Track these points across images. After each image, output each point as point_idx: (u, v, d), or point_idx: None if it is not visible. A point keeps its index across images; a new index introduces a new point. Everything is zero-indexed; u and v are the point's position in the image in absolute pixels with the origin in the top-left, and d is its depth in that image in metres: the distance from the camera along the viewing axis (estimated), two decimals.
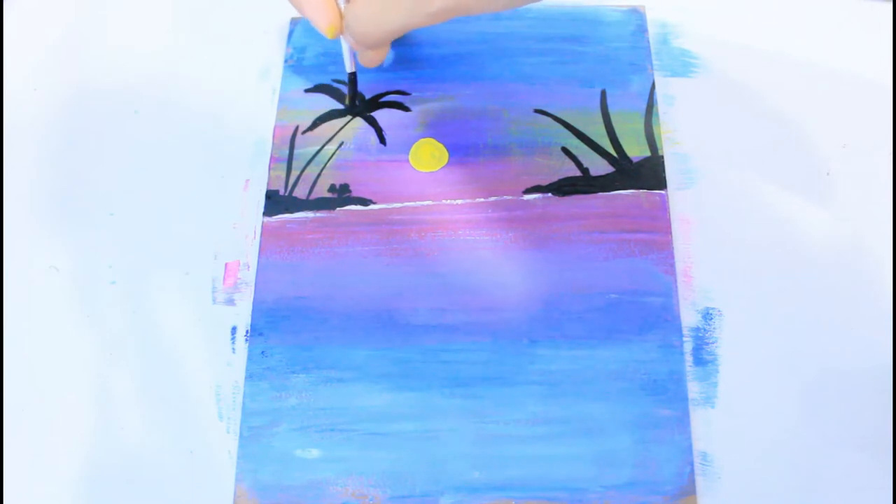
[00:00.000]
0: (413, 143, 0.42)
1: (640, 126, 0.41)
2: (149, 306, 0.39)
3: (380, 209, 0.40)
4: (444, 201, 0.40)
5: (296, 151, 0.42)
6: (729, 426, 0.35)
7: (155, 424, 0.37)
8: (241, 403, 0.36)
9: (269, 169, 0.41)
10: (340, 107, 0.43)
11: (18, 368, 0.38)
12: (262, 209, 0.40)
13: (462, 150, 0.41)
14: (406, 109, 0.43)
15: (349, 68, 0.40)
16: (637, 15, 0.44)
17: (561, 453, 0.35)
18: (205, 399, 0.37)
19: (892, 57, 0.43)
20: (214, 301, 0.39)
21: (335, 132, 0.42)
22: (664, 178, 0.40)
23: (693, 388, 0.36)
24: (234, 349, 0.38)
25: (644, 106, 0.42)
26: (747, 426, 0.35)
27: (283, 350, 0.37)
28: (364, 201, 0.40)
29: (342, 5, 0.36)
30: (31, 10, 0.47)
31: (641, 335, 0.37)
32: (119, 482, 0.36)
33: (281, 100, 0.43)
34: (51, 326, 0.39)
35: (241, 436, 0.36)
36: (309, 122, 0.42)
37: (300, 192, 0.41)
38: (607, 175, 0.40)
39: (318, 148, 0.42)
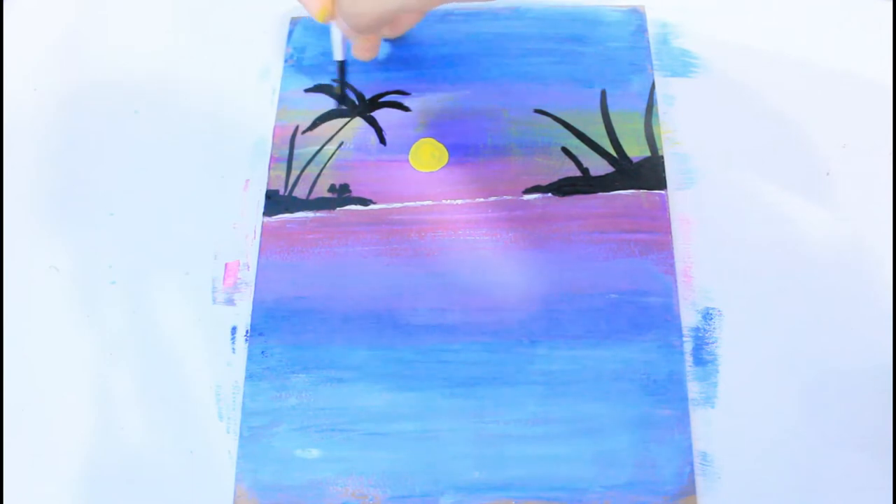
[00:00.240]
0: (413, 143, 0.42)
1: (640, 126, 0.41)
2: (149, 306, 0.39)
3: (380, 209, 0.40)
4: (444, 201, 0.40)
5: (296, 151, 0.42)
6: (729, 426, 0.35)
7: (155, 424, 0.37)
8: (241, 403, 0.36)
9: (269, 169, 0.41)
10: (341, 106, 0.43)
11: (18, 368, 0.38)
12: (262, 209, 0.40)
13: (462, 150, 0.41)
14: (406, 109, 0.43)
15: (338, 56, 0.40)
16: (637, 15, 0.44)
17: (561, 453, 0.35)
18: (205, 399, 0.37)
19: (892, 57, 0.43)
20: (214, 301, 0.39)
21: (335, 132, 0.42)
22: (664, 178, 0.40)
23: (693, 388, 0.36)
24: (234, 349, 0.38)
25: (644, 106, 0.42)
26: (747, 426, 0.35)
27: (283, 350, 0.37)
28: (364, 201, 0.40)
29: None
30: (31, 10, 0.47)
31: (641, 335, 0.37)
32: (119, 482, 0.36)
33: (281, 100, 0.43)
34: (51, 326, 0.39)
35: (241, 436, 0.36)
36: (309, 122, 0.42)
37: (300, 192, 0.41)
38: (607, 175, 0.40)
39: (318, 148, 0.42)
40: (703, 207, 0.40)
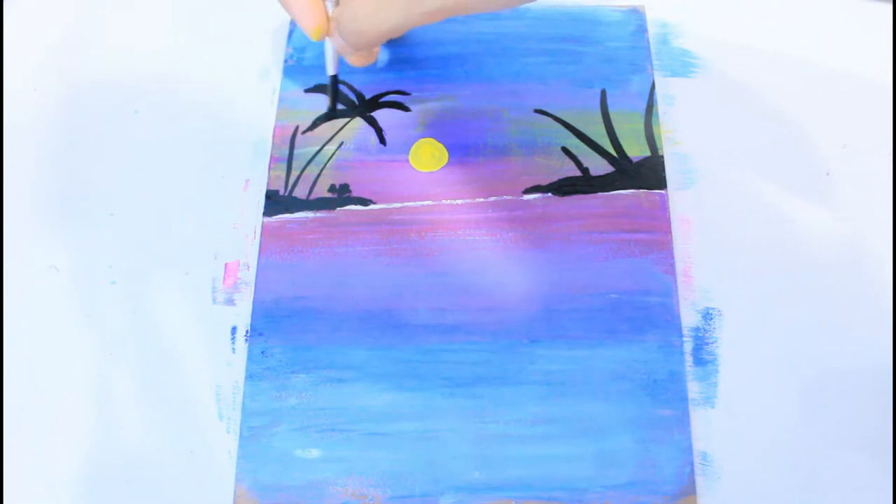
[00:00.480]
0: (413, 143, 0.42)
1: (640, 126, 0.41)
2: (149, 306, 0.39)
3: (380, 209, 0.40)
4: (444, 201, 0.40)
5: (296, 151, 0.42)
6: (729, 426, 0.35)
7: (155, 424, 0.37)
8: (241, 403, 0.36)
9: (269, 169, 0.41)
10: (341, 106, 0.43)
11: (18, 368, 0.38)
12: (262, 209, 0.40)
13: (462, 150, 0.41)
14: (406, 109, 0.43)
15: (331, 71, 0.40)
16: (637, 15, 0.44)
17: (561, 453, 0.35)
18: (205, 399, 0.37)
19: (892, 57, 0.43)
20: (214, 301, 0.39)
21: (335, 132, 0.42)
22: (664, 177, 0.40)
23: (693, 388, 0.36)
24: (234, 349, 0.38)
25: (644, 106, 0.42)
26: (747, 426, 0.35)
27: (283, 350, 0.37)
28: (364, 201, 0.40)
29: (330, 8, 0.36)
30: (31, 10, 0.47)
31: (641, 335, 0.37)
32: (119, 482, 0.36)
33: (281, 100, 0.43)
34: (51, 326, 0.39)
35: (241, 436, 0.36)
36: (309, 122, 0.42)
37: (300, 192, 0.41)
38: (607, 175, 0.40)
39: (318, 148, 0.42)
40: (703, 207, 0.40)
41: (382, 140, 0.42)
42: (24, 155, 0.43)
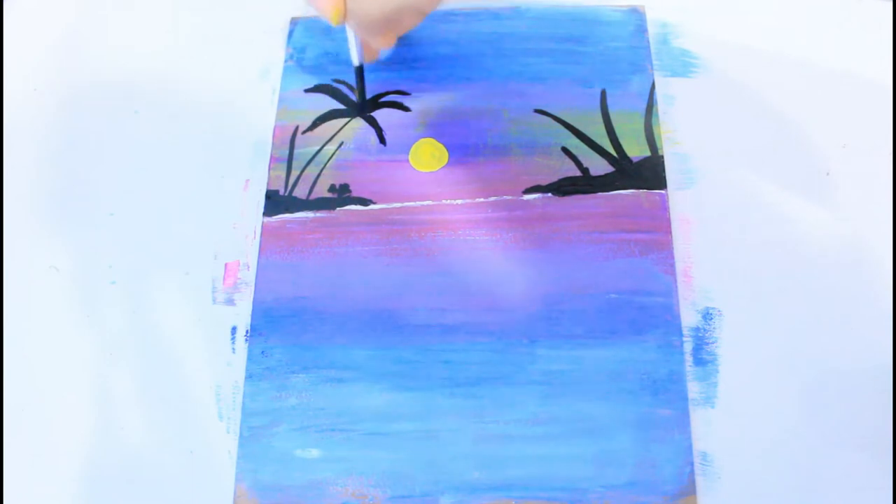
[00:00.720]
0: (413, 143, 0.42)
1: (640, 126, 0.41)
2: (149, 306, 0.39)
3: (380, 209, 0.40)
4: (444, 201, 0.40)
5: (296, 151, 0.42)
6: (729, 426, 0.35)
7: (155, 424, 0.37)
8: (241, 403, 0.36)
9: (269, 169, 0.41)
10: (341, 107, 0.43)
11: (18, 368, 0.38)
12: (262, 209, 0.40)
13: (462, 150, 0.41)
14: (406, 109, 0.43)
15: (356, 62, 0.40)
16: (637, 15, 0.44)
17: (561, 453, 0.35)
18: (205, 399, 0.37)
19: (892, 57, 0.43)
20: (214, 301, 0.39)
21: (335, 132, 0.42)
22: (664, 178, 0.40)
23: (693, 388, 0.36)
24: (234, 349, 0.38)
25: (644, 106, 0.42)
26: (747, 426, 0.35)
27: (283, 350, 0.37)
28: (364, 201, 0.40)
29: None
30: (31, 10, 0.47)
31: (641, 335, 0.37)
32: (119, 482, 0.36)
33: (281, 100, 0.43)
34: (51, 326, 0.39)
35: (241, 436, 0.36)
36: (309, 122, 0.42)
37: (300, 192, 0.41)
38: (607, 175, 0.40)
39: (318, 148, 0.42)
40: (703, 207, 0.40)
41: (382, 140, 0.42)
42: (24, 155, 0.43)
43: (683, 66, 0.43)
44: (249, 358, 0.37)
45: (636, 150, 0.41)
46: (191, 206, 0.41)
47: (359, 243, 0.39)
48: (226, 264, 0.39)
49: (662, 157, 0.40)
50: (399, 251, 0.39)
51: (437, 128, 0.42)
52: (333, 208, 0.40)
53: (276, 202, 0.40)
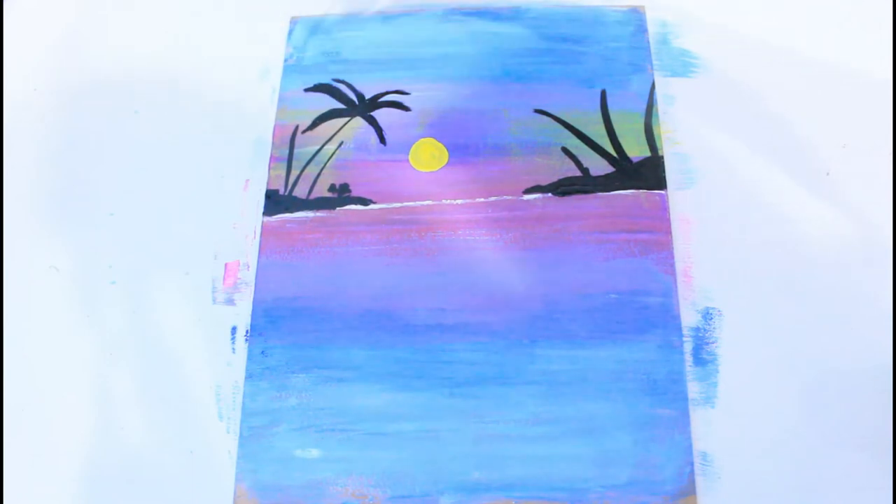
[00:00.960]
0: (413, 143, 0.42)
1: (640, 126, 0.41)
2: (149, 306, 0.39)
3: (380, 209, 0.40)
4: (444, 201, 0.40)
5: (296, 151, 0.42)
6: (729, 426, 0.35)
7: (155, 424, 0.37)
8: (241, 403, 0.36)
9: (269, 169, 0.41)
10: (340, 106, 0.43)
11: (18, 368, 0.38)
12: (262, 209, 0.40)
13: (462, 150, 0.41)
14: (406, 109, 0.43)
15: None
16: (637, 15, 0.44)
17: (561, 453, 0.35)
18: (205, 399, 0.37)
19: (892, 57, 0.43)
20: (214, 301, 0.39)
21: (335, 132, 0.42)
22: (664, 178, 0.40)
23: (693, 388, 0.36)
24: (234, 349, 0.38)
25: (644, 106, 0.42)
26: (747, 426, 0.35)
27: (283, 350, 0.37)
28: (364, 201, 0.40)
29: None
30: (31, 10, 0.47)
31: (641, 335, 0.37)
32: (119, 482, 0.36)
33: (281, 99, 0.43)
34: (51, 326, 0.39)
35: (241, 436, 0.36)
36: (309, 122, 0.42)
37: (300, 192, 0.41)
38: (607, 175, 0.40)
39: (318, 147, 0.42)
40: (703, 207, 0.40)
41: (382, 140, 0.42)
42: (24, 155, 0.43)
43: (683, 66, 0.43)
44: (249, 358, 0.37)
45: (636, 150, 0.41)
46: (191, 206, 0.41)
47: (359, 243, 0.39)
48: (226, 264, 0.39)
49: (662, 157, 0.40)
50: (399, 251, 0.39)
51: (437, 128, 0.42)
52: (333, 208, 0.40)
53: (276, 202, 0.40)
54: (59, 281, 0.40)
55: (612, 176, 0.40)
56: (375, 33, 0.44)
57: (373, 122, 0.42)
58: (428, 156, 0.41)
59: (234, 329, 0.38)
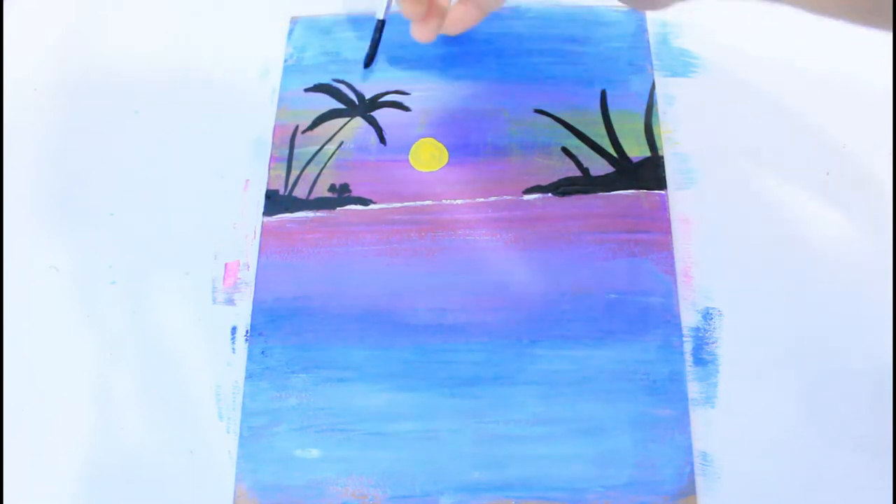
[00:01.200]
0: (413, 143, 0.42)
1: (640, 126, 0.41)
2: (149, 306, 0.39)
3: (380, 209, 0.40)
4: (444, 201, 0.40)
5: (296, 151, 0.42)
6: (729, 426, 0.35)
7: (155, 424, 0.37)
8: (241, 403, 0.36)
9: (269, 169, 0.41)
10: (341, 106, 0.43)
11: (18, 368, 0.38)
12: (262, 209, 0.40)
13: (462, 150, 0.41)
14: (406, 109, 0.43)
15: (380, 15, 0.40)
16: (637, 15, 0.44)
17: (561, 453, 0.35)
18: (205, 399, 0.37)
19: (892, 57, 0.43)
20: (214, 301, 0.39)
21: (335, 132, 0.42)
22: (664, 178, 0.40)
23: (693, 388, 0.36)
24: (234, 349, 0.38)
25: (644, 106, 0.42)
26: (747, 426, 0.35)
27: (283, 350, 0.37)
28: (364, 201, 0.40)
29: None
30: (31, 10, 0.47)
31: (641, 335, 0.37)
32: (119, 482, 0.36)
33: (281, 99, 0.43)
34: (51, 326, 0.39)
35: (241, 436, 0.36)
36: (309, 122, 0.42)
37: (300, 192, 0.41)
38: (607, 175, 0.40)
39: (318, 147, 0.42)
40: (703, 207, 0.40)
41: (382, 140, 0.42)
42: (24, 155, 0.43)
43: (683, 66, 0.43)
44: (249, 358, 0.37)
45: (636, 150, 0.41)
46: (191, 206, 0.41)
47: (359, 243, 0.39)
48: (226, 264, 0.39)
49: (662, 157, 0.40)
50: (399, 251, 0.39)
51: (437, 128, 0.42)
52: (333, 208, 0.40)
53: (276, 202, 0.40)
54: (59, 281, 0.40)
55: (612, 176, 0.40)
56: None
57: (373, 122, 0.42)
58: (428, 156, 0.41)
59: (234, 329, 0.38)
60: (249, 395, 0.36)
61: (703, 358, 0.37)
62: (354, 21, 0.45)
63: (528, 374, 0.36)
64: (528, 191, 0.40)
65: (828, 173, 0.40)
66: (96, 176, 0.42)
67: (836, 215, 0.39)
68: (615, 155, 0.41)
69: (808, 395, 0.36)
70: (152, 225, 0.41)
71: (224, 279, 0.39)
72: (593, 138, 0.41)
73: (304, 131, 0.42)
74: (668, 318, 0.37)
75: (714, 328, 0.37)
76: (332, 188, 0.41)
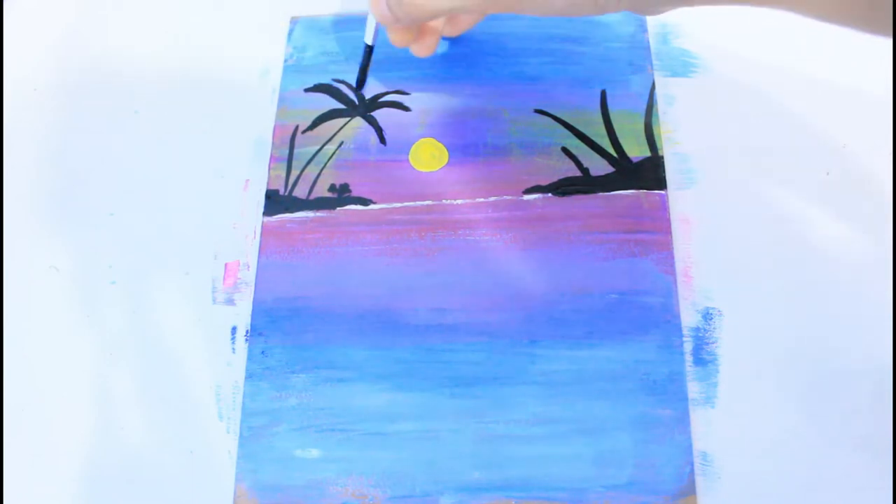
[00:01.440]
0: (413, 143, 0.42)
1: (640, 126, 0.41)
2: (149, 306, 0.39)
3: (380, 209, 0.40)
4: (444, 201, 0.40)
5: (296, 151, 0.42)
6: (729, 426, 0.35)
7: (155, 424, 0.37)
8: (241, 403, 0.36)
9: (269, 169, 0.41)
10: (341, 106, 0.43)
11: (18, 368, 0.38)
12: (262, 209, 0.40)
13: (462, 150, 0.41)
14: (406, 109, 0.43)
15: (369, 41, 0.40)
16: (636, 15, 0.44)
17: (561, 453, 0.35)
18: (205, 399, 0.37)
19: (892, 57, 0.43)
20: (214, 301, 0.39)
21: (335, 132, 0.42)
22: (664, 178, 0.40)
23: (693, 388, 0.36)
24: (234, 349, 0.38)
25: (644, 106, 0.42)
26: (747, 426, 0.35)
27: (283, 350, 0.37)
28: (364, 201, 0.40)
29: None
30: (31, 10, 0.47)
31: (641, 335, 0.37)
32: (119, 482, 0.36)
33: (281, 99, 0.43)
34: (51, 326, 0.39)
35: (241, 436, 0.36)
36: (309, 122, 0.42)
37: (300, 192, 0.41)
38: (607, 175, 0.40)
39: (318, 147, 0.42)
40: (703, 207, 0.40)
41: (382, 140, 0.42)
42: (24, 155, 0.43)
43: (683, 66, 0.43)
44: (249, 358, 0.37)
45: (636, 150, 0.41)
46: (191, 206, 0.41)
47: (359, 243, 0.39)
48: (226, 264, 0.39)
49: (662, 157, 0.40)
50: (399, 251, 0.39)
51: (437, 128, 0.42)
52: (333, 208, 0.40)
53: (276, 202, 0.40)
54: (59, 281, 0.40)
55: (612, 176, 0.40)
56: None
57: (373, 122, 0.42)
58: (428, 156, 0.41)
59: (234, 329, 0.38)
60: (249, 395, 0.36)
61: (703, 358, 0.37)
62: (354, 21, 0.45)
63: (528, 374, 0.36)
64: (528, 191, 0.40)
65: (828, 173, 0.40)
66: (96, 176, 0.42)
67: (836, 215, 0.39)
68: (615, 155, 0.41)
69: (808, 395, 0.36)
70: (152, 225, 0.41)
71: (224, 279, 0.39)
72: (593, 138, 0.41)
73: (304, 131, 0.42)
74: (668, 318, 0.37)
75: (714, 328, 0.37)
76: (332, 188, 0.41)
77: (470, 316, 0.37)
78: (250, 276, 0.39)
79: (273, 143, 0.42)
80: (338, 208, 0.40)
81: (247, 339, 0.38)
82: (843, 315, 0.37)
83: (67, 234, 0.41)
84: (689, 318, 0.37)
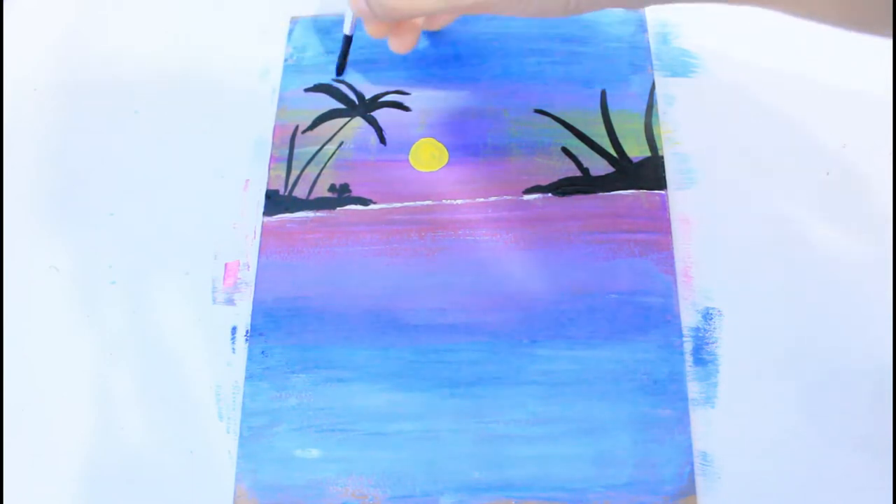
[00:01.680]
0: (413, 143, 0.42)
1: (640, 126, 0.41)
2: (149, 306, 0.39)
3: (380, 209, 0.40)
4: (444, 201, 0.40)
5: (296, 151, 0.42)
6: (729, 426, 0.35)
7: (155, 424, 0.37)
8: (241, 403, 0.36)
9: (269, 169, 0.41)
10: (341, 106, 0.43)
11: (18, 368, 0.38)
12: (262, 209, 0.40)
13: (462, 150, 0.41)
14: (406, 109, 0.43)
15: (347, 31, 0.41)
16: (637, 15, 0.44)
17: (561, 453, 0.35)
18: (205, 399, 0.37)
19: (892, 57, 0.43)
20: (214, 301, 0.39)
21: (335, 132, 0.42)
22: (664, 178, 0.40)
23: (693, 388, 0.36)
24: (234, 349, 0.38)
25: (644, 106, 0.42)
26: (747, 426, 0.35)
27: (283, 350, 0.37)
28: (364, 201, 0.40)
29: None
30: (31, 10, 0.47)
31: (641, 335, 0.37)
32: (119, 482, 0.36)
33: (281, 99, 0.43)
34: (51, 326, 0.39)
35: (241, 436, 0.36)
36: (309, 122, 0.42)
37: (300, 192, 0.41)
38: (607, 175, 0.40)
39: (318, 147, 0.42)
40: (703, 207, 0.40)
41: (382, 140, 0.42)
42: (24, 155, 0.43)
43: (683, 66, 0.43)
44: (249, 358, 0.37)
45: (636, 150, 0.41)
46: (191, 206, 0.41)
47: (359, 243, 0.39)
48: (226, 264, 0.39)
49: (662, 157, 0.40)
50: (399, 251, 0.39)
51: (437, 128, 0.42)
52: (333, 208, 0.40)
53: (276, 202, 0.40)
54: (59, 281, 0.40)
55: (612, 176, 0.40)
56: None
57: (373, 122, 0.42)
58: (428, 156, 0.41)
59: (234, 329, 0.38)
60: (249, 395, 0.36)
61: (703, 358, 0.37)
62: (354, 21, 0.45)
63: (528, 374, 0.36)
64: (528, 191, 0.40)
65: (828, 173, 0.40)
66: (96, 176, 0.42)
67: (836, 215, 0.39)
68: (615, 155, 0.41)
69: (808, 394, 0.36)
70: (152, 225, 0.41)
71: (224, 279, 0.39)
72: (593, 138, 0.41)
73: (304, 131, 0.42)
74: (668, 318, 0.37)
75: (714, 328, 0.37)
76: (332, 188, 0.41)
77: (470, 316, 0.37)
78: (250, 276, 0.39)
79: (273, 143, 0.42)
80: (338, 208, 0.40)
81: (247, 339, 0.38)
82: (843, 315, 0.37)
83: (67, 234, 0.41)
84: (689, 318, 0.37)
